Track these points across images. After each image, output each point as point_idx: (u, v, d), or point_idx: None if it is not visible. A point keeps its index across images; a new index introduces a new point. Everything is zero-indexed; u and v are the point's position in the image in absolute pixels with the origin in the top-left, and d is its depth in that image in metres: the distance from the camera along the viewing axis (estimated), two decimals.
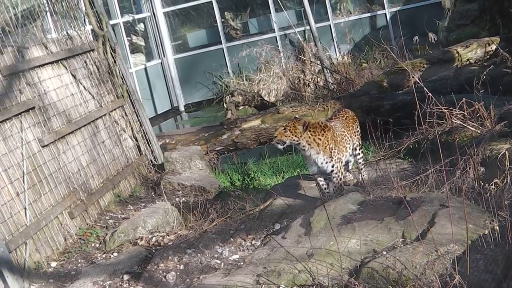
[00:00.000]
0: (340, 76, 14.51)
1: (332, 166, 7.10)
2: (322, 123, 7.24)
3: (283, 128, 7.06)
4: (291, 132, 6.97)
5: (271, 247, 6.41)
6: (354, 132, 7.66)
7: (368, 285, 5.34)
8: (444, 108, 8.10)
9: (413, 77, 10.94)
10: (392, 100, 10.70)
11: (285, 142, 7.04)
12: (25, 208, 7.22)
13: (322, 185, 7.25)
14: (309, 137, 7.00)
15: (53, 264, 7.23)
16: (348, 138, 7.46)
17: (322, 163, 7.09)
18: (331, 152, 7.09)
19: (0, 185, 6.99)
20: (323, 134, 7.06)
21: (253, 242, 7.00)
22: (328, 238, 6.04)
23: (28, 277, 6.80)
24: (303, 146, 7.02)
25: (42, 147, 7.90)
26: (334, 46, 17.60)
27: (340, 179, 7.20)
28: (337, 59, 16.80)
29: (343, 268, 5.60)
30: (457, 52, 12.44)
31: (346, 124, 7.56)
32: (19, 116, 7.68)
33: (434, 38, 15.43)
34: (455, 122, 8.22)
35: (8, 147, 7.32)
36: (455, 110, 8.13)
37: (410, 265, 5.35)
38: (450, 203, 5.95)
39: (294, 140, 6.98)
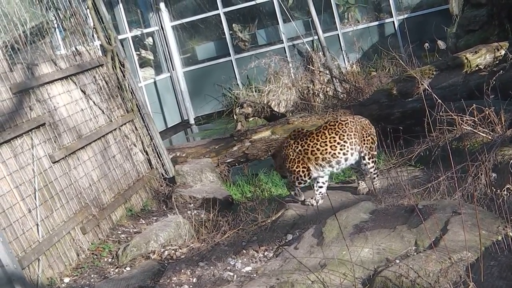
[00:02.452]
0: (349, 85, 14.50)
1: (288, 173, 7.87)
2: (279, 147, 8.08)
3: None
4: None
5: (284, 258, 6.39)
6: (352, 140, 7.76)
7: None
8: (454, 115, 8.07)
9: (422, 84, 10.92)
10: (402, 108, 10.67)
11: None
12: (37, 224, 7.24)
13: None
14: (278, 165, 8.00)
15: (66, 280, 7.24)
16: (330, 147, 7.71)
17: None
18: (289, 164, 7.80)
19: (12, 201, 7.01)
20: (279, 154, 7.93)
21: (266, 253, 6.99)
22: (340, 247, 6.02)
23: None
24: (282, 169, 7.98)
25: (53, 163, 7.92)
26: (343, 55, 17.60)
27: (294, 183, 7.85)
28: (346, 68, 16.80)
29: (356, 277, 5.58)
30: (466, 58, 12.40)
31: (339, 132, 7.74)
32: (30, 132, 7.71)
33: (443, 45, 15.43)
34: (466, 128, 8.18)
35: (19, 163, 7.35)
36: (465, 116, 8.10)
37: (423, 273, 5.32)
38: (462, 210, 5.93)
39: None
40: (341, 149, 7.74)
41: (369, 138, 7.84)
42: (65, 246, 7.53)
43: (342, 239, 6.00)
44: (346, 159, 7.79)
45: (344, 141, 7.74)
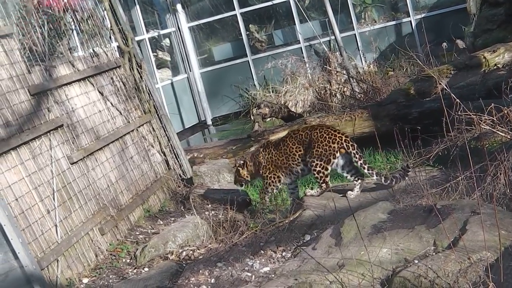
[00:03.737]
0: (366, 85, 14.46)
1: (263, 180, 8.42)
2: (252, 154, 8.65)
3: (234, 176, 8.70)
4: (239, 176, 8.54)
5: (302, 259, 6.38)
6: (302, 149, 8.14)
7: None
8: (473, 114, 8.02)
9: (440, 84, 10.87)
10: (420, 108, 10.63)
11: (241, 185, 8.70)
12: (56, 225, 7.27)
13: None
14: (246, 173, 8.50)
15: (85, 280, 7.27)
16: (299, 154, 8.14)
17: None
18: (261, 171, 8.37)
19: (31, 203, 7.05)
20: (252, 162, 8.47)
21: (284, 254, 6.98)
22: (358, 248, 6.00)
23: None
24: (253, 178, 8.61)
25: (71, 164, 7.95)
26: (360, 55, 17.55)
27: (267, 189, 8.38)
28: (363, 68, 16.75)
29: (375, 278, 5.56)
30: (484, 57, 12.33)
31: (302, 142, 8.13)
32: (48, 134, 7.75)
33: (462, 44, 15.35)
34: (484, 128, 8.13)
35: (37, 165, 7.38)
36: (483, 116, 8.05)
37: (442, 273, 5.30)
38: (481, 209, 5.89)
39: (243, 180, 8.57)
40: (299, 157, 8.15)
41: (314, 144, 8.00)
42: (84, 247, 7.56)
43: (360, 239, 5.98)
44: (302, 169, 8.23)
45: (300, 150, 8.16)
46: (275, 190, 8.39)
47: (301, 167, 8.17)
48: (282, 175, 8.29)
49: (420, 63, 10.51)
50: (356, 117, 10.70)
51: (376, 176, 7.99)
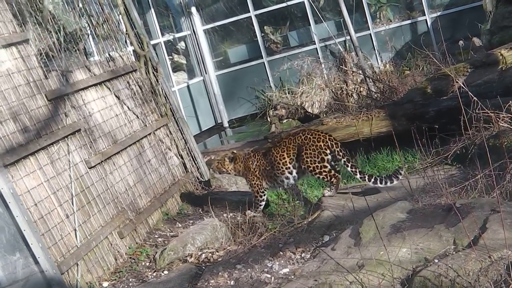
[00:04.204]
0: (383, 84, 14.41)
1: (250, 187, 8.72)
2: (244, 155, 8.77)
3: (217, 162, 8.94)
4: (222, 165, 8.78)
5: (321, 259, 6.37)
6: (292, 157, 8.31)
7: None
8: (491, 112, 7.98)
9: (457, 82, 10.80)
10: (437, 106, 10.57)
11: (219, 173, 9.06)
12: (75, 230, 7.30)
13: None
14: (234, 167, 8.71)
15: (105, 284, 7.29)
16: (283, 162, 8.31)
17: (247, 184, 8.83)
18: (249, 176, 8.59)
19: (50, 207, 7.08)
20: (243, 164, 8.66)
21: (303, 255, 6.96)
22: (378, 248, 5.98)
23: None
24: (234, 173, 8.91)
25: (89, 168, 7.98)
26: (376, 55, 17.50)
27: (255, 196, 8.57)
28: (379, 68, 16.70)
29: (395, 278, 5.54)
30: (501, 55, 12.24)
31: (286, 149, 8.32)
32: (66, 139, 7.78)
33: (479, 42, 15.26)
34: (503, 126, 8.09)
35: (56, 170, 7.42)
36: (501, 113, 8.01)
37: (463, 272, 5.27)
38: (501, 207, 5.85)
39: (223, 171, 8.84)
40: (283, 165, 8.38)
41: (303, 153, 8.19)
42: (103, 250, 7.58)
43: (380, 239, 5.96)
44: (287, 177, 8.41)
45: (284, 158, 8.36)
46: (263, 197, 8.56)
47: (286, 175, 8.35)
48: (267, 184, 8.55)
49: (437, 61, 10.45)
50: (373, 117, 10.65)
51: (360, 174, 8.13)
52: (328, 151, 8.10)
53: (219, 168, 8.83)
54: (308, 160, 8.12)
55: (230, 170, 8.76)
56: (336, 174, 8.19)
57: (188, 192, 9.82)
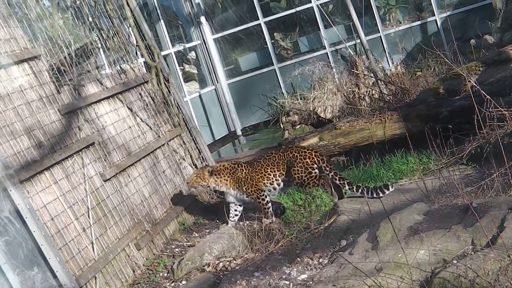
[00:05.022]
0: (395, 86, 14.36)
1: (247, 196, 8.62)
2: (228, 166, 8.71)
3: (194, 175, 8.68)
4: (201, 178, 8.59)
5: (339, 264, 6.35)
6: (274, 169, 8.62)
7: None
8: (504, 110, 7.94)
9: (469, 81, 10.75)
10: (450, 106, 10.52)
11: (196, 187, 8.87)
12: (92, 243, 7.32)
13: (231, 212, 8.77)
14: (215, 180, 8.59)
15: None
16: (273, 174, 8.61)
17: (236, 195, 8.68)
18: (243, 186, 8.58)
19: (66, 221, 7.10)
20: (229, 175, 8.62)
21: (320, 260, 6.95)
22: (396, 250, 5.96)
23: None
24: (213, 186, 8.69)
25: (104, 181, 8.01)
26: (386, 57, 17.45)
27: (259, 202, 8.58)
28: (391, 70, 16.65)
29: (414, 280, 5.51)
30: None
31: (276, 163, 8.62)
32: (80, 152, 7.81)
33: (491, 40, 15.20)
34: None
35: (71, 184, 7.44)
36: None
37: (482, 273, 5.24)
38: None
39: (203, 184, 8.63)
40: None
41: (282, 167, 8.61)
42: (121, 263, 7.60)
43: (397, 242, 5.94)
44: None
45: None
46: (266, 199, 8.59)
47: (274, 186, 8.65)
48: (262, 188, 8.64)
49: (448, 61, 10.37)
50: (386, 119, 10.61)
51: (348, 186, 8.42)
52: (314, 166, 8.48)
53: (198, 182, 8.64)
54: (297, 176, 8.49)
55: (210, 183, 8.63)
56: (322, 176, 8.49)
57: (203, 202, 9.83)
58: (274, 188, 8.66)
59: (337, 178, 8.44)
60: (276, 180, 8.61)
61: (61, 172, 7.38)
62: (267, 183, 8.59)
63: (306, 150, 8.62)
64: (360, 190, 8.31)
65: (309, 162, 8.47)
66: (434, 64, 15.86)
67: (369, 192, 8.25)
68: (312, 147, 9.39)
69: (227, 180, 8.61)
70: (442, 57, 12.51)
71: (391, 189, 8.20)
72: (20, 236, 6.46)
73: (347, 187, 8.44)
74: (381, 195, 8.16)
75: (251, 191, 8.56)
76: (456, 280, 5.25)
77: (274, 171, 8.60)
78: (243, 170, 8.63)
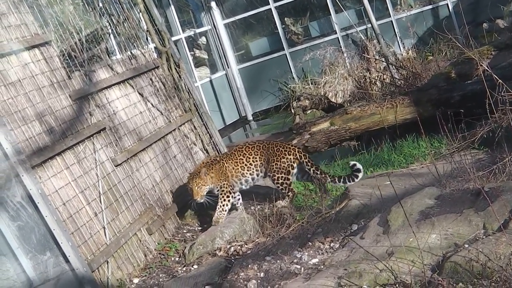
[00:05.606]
0: (406, 71, 14.32)
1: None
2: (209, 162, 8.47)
3: (195, 187, 8.12)
4: (202, 184, 8.13)
5: (350, 248, 6.36)
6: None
7: (452, 280, 5.24)
8: None
9: (481, 65, 10.71)
10: (462, 91, 10.49)
11: (203, 196, 8.20)
12: (104, 228, 7.35)
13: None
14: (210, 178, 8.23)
15: (135, 280, 7.33)
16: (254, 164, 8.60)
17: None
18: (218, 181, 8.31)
19: (78, 206, 7.13)
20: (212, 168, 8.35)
21: (332, 244, 6.95)
22: (407, 235, 5.96)
23: None
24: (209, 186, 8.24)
25: (116, 166, 8.02)
26: (398, 42, 17.38)
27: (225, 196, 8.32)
28: (402, 55, 16.59)
29: (425, 264, 5.51)
30: None
31: (259, 153, 8.62)
32: (91, 137, 7.83)
33: (503, 24, 15.11)
34: None
35: (83, 169, 7.47)
36: None
37: (494, 257, 5.23)
38: None
39: (207, 188, 8.18)
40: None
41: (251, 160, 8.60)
42: (133, 247, 7.63)
43: (408, 226, 5.93)
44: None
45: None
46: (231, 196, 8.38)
47: (253, 176, 8.63)
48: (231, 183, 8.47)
49: (460, 45, 10.33)
50: (398, 104, 10.59)
51: (330, 178, 8.60)
52: (295, 164, 8.59)
53: (203, 190, 8.17)
54: (277, 169, 8.51)
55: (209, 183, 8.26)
56: (293, 189, 8.68)
57: None
58: (253, 179, 8.64)
59: (318, 172, 8.58)
60: (256, 170, 8.60)
61: (72, 157, 7.40)
62: (246, 173, 8.55)
63: (290, 146, 8.76)
64: (342, 180, 8.52)
65: (292, 158, 8.55)
66: (445, 49, 15.79)
67: (344, 180, 8.49)
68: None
69: (212, 178, 8.29)
70: (453, 41, 12.45)
71: (359, 177, 8.45)
72: (33, 221, 6.50)
73: (329, 180, 8.60)
74: (355, 180, 8.43)
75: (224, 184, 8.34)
76: (468, 264, 5.25)
77: (256, 161, 8.58)
78: (219, 164, 8.43)
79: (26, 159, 6.60)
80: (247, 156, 8.59)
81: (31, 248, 6.48)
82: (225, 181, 8.33)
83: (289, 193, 8.57)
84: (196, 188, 8.12)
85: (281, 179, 8.52)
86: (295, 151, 8.61)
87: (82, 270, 6.58)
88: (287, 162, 8.53)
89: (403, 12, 17.70)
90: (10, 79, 7.06)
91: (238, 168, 8.52)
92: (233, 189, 8.41)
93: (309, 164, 8.57)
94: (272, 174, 8.55)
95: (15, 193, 6.46)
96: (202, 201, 8.22)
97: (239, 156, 8.57)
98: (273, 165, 8.52)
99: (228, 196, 8.28)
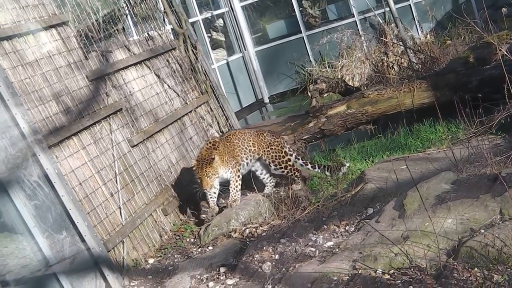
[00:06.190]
0: (424, 55, 14.22)
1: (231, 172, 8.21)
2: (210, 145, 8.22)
3: (205, 176, 7.85)
4: (213, 174, 7.90)
5: (365, 232, 6.35)
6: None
7: (467, 265, 5.22)
8: None
9: (500, 50, 10.61)
10: (480, 76, 10.40)
11: (215, 185, 8.03)
12: (119, 208, 7.38)
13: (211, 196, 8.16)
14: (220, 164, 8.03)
15: (151, 260, 7.37)
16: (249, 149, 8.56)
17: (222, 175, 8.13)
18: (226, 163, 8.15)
19: (94, 186, 7.16)
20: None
21: (347, 228, 6.95)
22: (423, 219, 5.94)
23: (127, 274, 6.95)
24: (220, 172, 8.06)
25: (132, 147, 8.04)
26: (416, 26, 17.26)
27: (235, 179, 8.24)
28: (420, 39, 16.47)
29: (441, 248, 5.49)
30: None
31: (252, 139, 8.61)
32: (108, 118, 7.85)
33: None
34: None
35: (99, 149, 7.49)
36: None
37: (510, 242, 5.21)
38: None
39: (216, 175, 7.96)
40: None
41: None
42: (148, 228, 7.66)
43: (424, 210, 5.91)
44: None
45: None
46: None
47: (248, 161, 8.56)
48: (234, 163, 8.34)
49: (479, 29, 10.23)
50: (415, 88, 10.52)
51: (310, 165, 8.88)
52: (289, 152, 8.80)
53: (212, 179, 7.93)
54: (274, 156, 8.59)
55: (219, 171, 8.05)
56: (298, 169, 8.78)
57: None
58: (247, 164, 8.59)
59: (299, 158, 8.83)
60: (252, 155, 8.57)
61: (89, 138, 7.43)
62: (243, 157, 8.48)
63: (275, 134, 8.98)
64: (321, 168, 8.83)
65: (284, 145, 8.73)
66: (464, 33, 15.65)
67: (325, 168, 8.81)
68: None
69: (222, 163, 8.11)
70: (472, 26, 12.34)
71: (344, 171, 8.80)
72: (49, 200, 6.53)
73: (309, 166, 8.83)
74: (341, 171, 8.77)
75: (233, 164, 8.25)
76: (484, 249, 5.22)
77: (251, 146, 8.55)
78: (222, 145, 8.27)
79: (43, 138, 6.63)
80: (242, 141, 8.55)
81: (47, 227, 6.51)
82: (233, 161, 8.25)
83: (297, 174, 8.68)
84: (206, 178, 7.86)
85: (284, 163, 8.61)
86: (283, 139, 8.87)
87: (98, 250, 6.62)
88: (280, 144, 8.67)
89: None
90: (28, 59, 7.08)
91: (237, 151, 8.44)
92: (239, 168, 8.35)
93: (291, 150, 8.85)
94: (271, 161, 8.60)
95: (32, 173, 6.50)
96: (209, 191, 8.05)
97: (235, 140, 8.49)
98: (270, 153, 8.61)
99: (238, 176, 8.24)
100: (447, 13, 17.05)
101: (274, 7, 18.57)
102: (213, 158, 7.92)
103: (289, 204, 7.89)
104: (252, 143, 8.57)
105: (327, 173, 8.78)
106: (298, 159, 8.82)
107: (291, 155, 8.74)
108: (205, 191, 7.98)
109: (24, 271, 6.50)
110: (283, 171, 8.67)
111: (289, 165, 8.66)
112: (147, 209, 7.77)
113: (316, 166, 8.86)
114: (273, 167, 8.67)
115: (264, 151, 8.62)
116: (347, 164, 8.92)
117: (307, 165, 8.85)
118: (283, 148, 8.70)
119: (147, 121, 8.61)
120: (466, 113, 8.37)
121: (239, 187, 8.25)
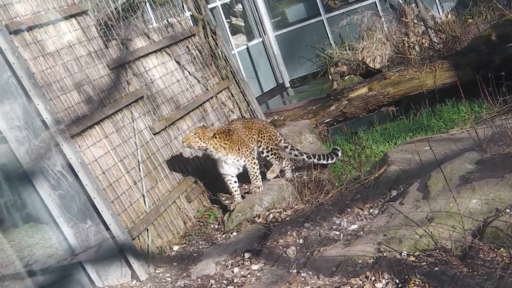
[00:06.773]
0: (445, 35, 14.10)
1: (244, 161, 8.05)
2: (226, 128, 8.10)
3: (193, 133, 7.77)
4: (200, 138, 7.73)
5: (390, 214, 6.33)
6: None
7: (493, 245, 5.18)
8: None
9: None
10: (503, 54, 10.31)
11: (191, 148, 7.88)
12: (143, 196, 7.40)
13: (233, 187, 8.06)
14: (216, 143, 7.82)
15: (175, 247, 7.39)
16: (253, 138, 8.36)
17: (233, 162, 8.00)
18: (239, 151, 8.00)
19: (117, 175, 7.19)
20: (228, 138, 7.96)
21: (371, 210, 6.92)
22: (447, 200, 5.90)
23: (153, 262, 6.98)
24: (211, 151, 7.84)
25: (154, 134, 8.06)
26: (437, 5, 17.10)
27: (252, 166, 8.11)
28: (441, 18, 16.32)
29: (466, 229, 5.46)
30: None
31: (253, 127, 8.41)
32: (129, 106, 7.86)
33: None
34: None
35: (121, 137, 7.51)
36: None
37: None
38: None
39: (201, 146, 7.77)
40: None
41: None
42: (172, 215, 7.68)
43: (448, 191, 5.88)
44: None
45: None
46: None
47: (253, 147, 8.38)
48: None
49: (501, 7, 10.13)
50: (437, 68, 10.45)
51: (295, 151, 8.65)
52: (280, 138, 8.68)
53: (196, 142, 7.74)
54: (267, 141, 8.39)
55: (210, 145, 7.81)
56: (281, 156, 8.58)
57: None
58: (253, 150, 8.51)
59: (288, 146, 8.66)
60: (257, 141, 8.42)
61: (111, 126, 7.45)
62: (251, 145, 8.35)
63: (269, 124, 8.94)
64: (309, 157, 8.60)
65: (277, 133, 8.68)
66: (486, 11, 15.47)
67: (319, 157, 8.65)
68: None
69: (226, 144, 7.93)
70: (494, 3, 12.21)
71: (339, 156, 8.78)
72: (73, 190, 6.57)
73: (294, 153, 8.64)
74: (334, 159, 8.73)
75: (248, 153, 8.12)
76: (509, 229, 5.18)
77: (254, 135, 8.37)
78: (236, 134, 8.12)
79: (66, 128, 6.65)
80: (254, 128, 8.43)
81: (72, 216, 6.56)
82: (246, 148, 8.08)
83: (280, 160, 8.49)
84: (194, 135, 7.73)
85: (273, 150, 8.45)
86: (274, 129, 8.82)
87: (123, 238, 6.65)
88: (275, 135, 8.59)
89: None
90: (48, 49, 7.10)
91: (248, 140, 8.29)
92: (253, 153, 8.23)
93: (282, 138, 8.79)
94: (264, 146, 8.39)
95: (55, 163, 6.53)
96: (185, 149, 8.17)
97: (242, 129, 8.34)
98: (264, 139, 8.43)
99: (254, 163, 8.13)
100: None
101: None
102: (210, 131, 7.86)
103: (312, 188, 7.88)
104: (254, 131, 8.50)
105: (323, 162, 8.68)
106: (287, 147, 8.66)
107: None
108: (183, 143, 7.87)
109: (50, 260, 6.56)
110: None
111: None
112: (171, 196, 7.79)
113: (312, 156, 8.63)
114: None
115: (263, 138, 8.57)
116: (339, 153, 8.85)
117: (294, 151, 8.67)
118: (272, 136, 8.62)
119: (169, 108, 8.62)
120: (489, 92, 8.28)
121: (258, 171, 8.17)
